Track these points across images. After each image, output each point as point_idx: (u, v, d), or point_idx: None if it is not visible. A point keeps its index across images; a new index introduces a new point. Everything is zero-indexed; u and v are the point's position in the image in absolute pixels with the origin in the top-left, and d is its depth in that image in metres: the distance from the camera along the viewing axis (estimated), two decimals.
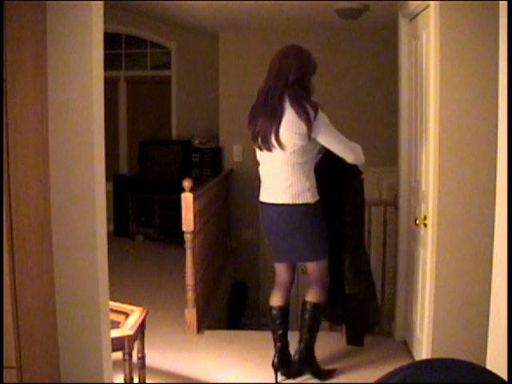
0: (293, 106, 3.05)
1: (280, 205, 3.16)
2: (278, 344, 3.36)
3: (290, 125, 3.06)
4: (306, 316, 3.34)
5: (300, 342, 3.38)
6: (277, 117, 3.07)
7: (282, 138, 3.07)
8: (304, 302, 3.37)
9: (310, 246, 3.22)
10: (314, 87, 3.21)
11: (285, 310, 3.40)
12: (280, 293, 3.40)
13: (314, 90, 3.21)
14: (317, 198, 3.18)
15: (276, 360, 3.32)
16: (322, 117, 3.07)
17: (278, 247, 3.30)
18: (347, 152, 3.15)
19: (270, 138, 3.09)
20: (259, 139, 3.14)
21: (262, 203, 3.27)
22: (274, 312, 3.38)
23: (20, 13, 2.04)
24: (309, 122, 3.02)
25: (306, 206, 3.13)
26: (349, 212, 3.41)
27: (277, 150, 3.11)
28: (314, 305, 3.33)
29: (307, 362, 3.39)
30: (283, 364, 3.35)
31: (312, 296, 3.34)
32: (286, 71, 3.09)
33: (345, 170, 3.31)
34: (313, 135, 3.05)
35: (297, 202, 3.12)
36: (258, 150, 3.23)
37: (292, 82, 3.08)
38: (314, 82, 3.24)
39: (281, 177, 3.14)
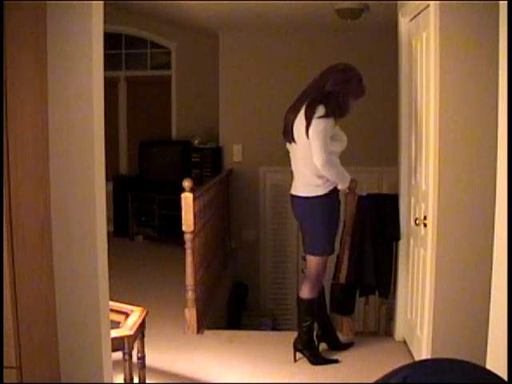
0: (307, 103, 3.24)
1: (298, 197, 3.42)
2: None
3: (300, 120, 3.26)
4: (301, 310, 3.53)
5: (299, 334, 3.56)
6: (295, 112, 3.30)
7: (295, 131, 3.30)
8: (297, 297, 3.57)
9: (313, 239, 3.41)
10: (350, 109, 3.31)
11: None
12: None
13: (349, 111, 3.32)
14: (329, 189, 3.32)
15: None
16: (323, 122, 3.19)
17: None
18: (319, 154, 3.20)
19: (289, 131, 3.34)
20: (284, 132, 3.39)
21: (290, 195, 3.51)
22: None
23: (20, 13, 2.04)
24: (310, 119, 3.20)
25: (317, 198, 3.33)
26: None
27: (294, 144, 3.34)
28: (308, 300, 3.50)
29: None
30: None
31: (303, 292, 3.53)
32: (323, 82, 3.28)
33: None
34: (309, 132, 3.21)
35: (308, 195, 3.35)
36: (287, 144, 3.44)
37: (326, 92, 3.23)
38: None
39: (298, 170, 3.39)
